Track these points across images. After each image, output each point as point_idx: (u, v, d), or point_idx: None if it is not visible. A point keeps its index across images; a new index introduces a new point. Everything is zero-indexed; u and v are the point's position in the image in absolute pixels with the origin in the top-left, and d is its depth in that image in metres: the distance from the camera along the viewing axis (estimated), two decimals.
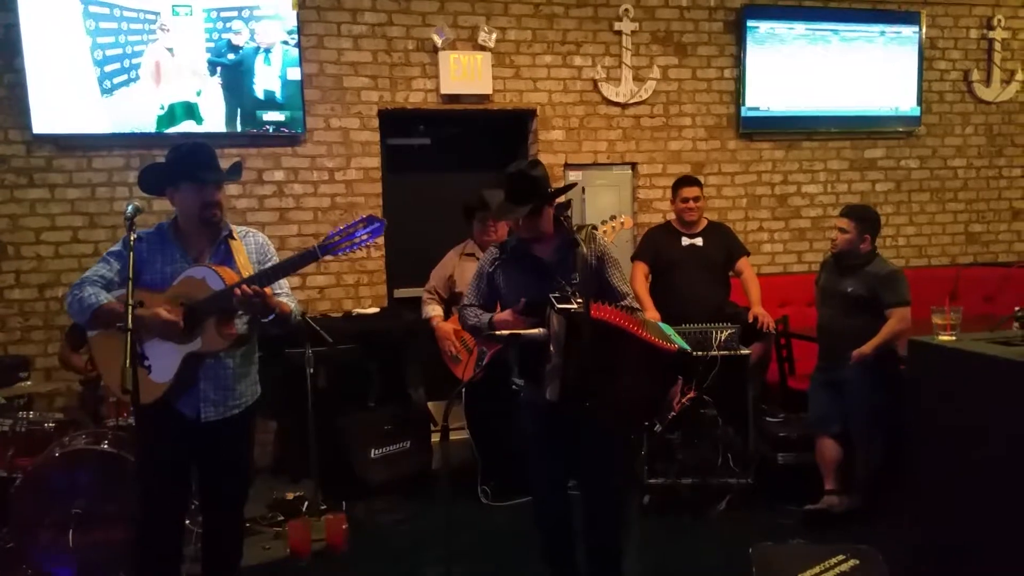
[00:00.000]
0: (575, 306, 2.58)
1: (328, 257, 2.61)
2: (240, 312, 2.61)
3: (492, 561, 3.66)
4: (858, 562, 3.04)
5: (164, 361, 2.58)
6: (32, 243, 4.75)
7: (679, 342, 2.75)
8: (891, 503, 3.77)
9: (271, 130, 5.01)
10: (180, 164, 2.64)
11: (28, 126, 4.66)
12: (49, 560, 3.30)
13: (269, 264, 2.77)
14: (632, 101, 5.63)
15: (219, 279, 2.55)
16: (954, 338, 2.92)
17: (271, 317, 2.65)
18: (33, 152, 4.76)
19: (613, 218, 4.19)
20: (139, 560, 2.77)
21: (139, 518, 2.72)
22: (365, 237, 2.51)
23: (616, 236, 4.15)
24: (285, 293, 2.78)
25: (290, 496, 4.25)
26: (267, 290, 2.58)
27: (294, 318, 2.78)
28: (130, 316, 2.30)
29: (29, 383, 4.10)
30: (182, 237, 2.71)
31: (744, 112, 5.78)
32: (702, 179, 4.89)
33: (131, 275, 2.38)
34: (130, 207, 2.53)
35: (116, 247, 2.74)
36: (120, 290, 2.59)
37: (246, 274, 2.62)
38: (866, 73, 5.97)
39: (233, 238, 2.74)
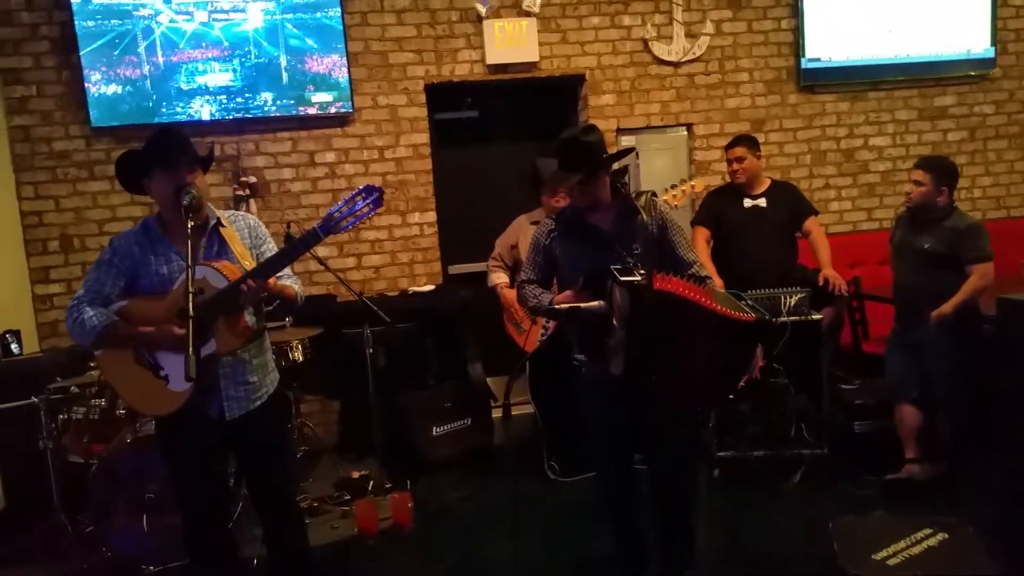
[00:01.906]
0: (638, 277, 2.47)
1: (342, 236, 2.48)
2: (247, 308, 2.51)
3: (561, 537, 3.60)
4: (947, 536, 2.89)
5: (181, 369, 2.38)
6: (96, 235, 4.85)
7: (756, 309, 2.62)
8: (978, 471, 3.59)
9: (320, 111, 4.98)
10: (150, 152, 2.50)
11: (87, 120, 4.74)
12: (126, 543, 3.39)
13: (264, 246, 2.66)
14: (685, 59, 5.43)
15: (221, 276, 2.43)
16: None
17: (275, 304, 2.58)
18: (92, 145, 4.83)
19: (683, 181, 4.04)
20: (191, 562, 2.76)
21: (182, 525, 2.70)
22: (366, 209, 2.39)
23: (685, 200, 4.00)
24: (287, 275, 2.67)
25: (355, 475, 4.29)
26: (271, 280, 2.48)
27: (299, 300, 2.68)
28: (191, 303, 2.27)
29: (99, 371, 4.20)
30: (170, 231, 2.56)
31: (804, 64, 5.52)
32: (762, 136, 4.67)
33: (189, 262, 2.34)
34: (187, 197, 2.43)
35: (105, 255, 2.56)
36: (120, 302, 2.52)
37: (245, 263, 2.52)
38: (933, 15, 5.63)
39: (223, 225, 2.62)
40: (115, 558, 3.40)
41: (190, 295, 2.28)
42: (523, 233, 4.29)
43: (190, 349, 2.21)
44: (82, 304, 2.51)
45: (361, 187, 2.40)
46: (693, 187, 4.06)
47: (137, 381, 2.57)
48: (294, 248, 2.47)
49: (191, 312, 2.26)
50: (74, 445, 3.58)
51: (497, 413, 5.05)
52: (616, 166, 2.90)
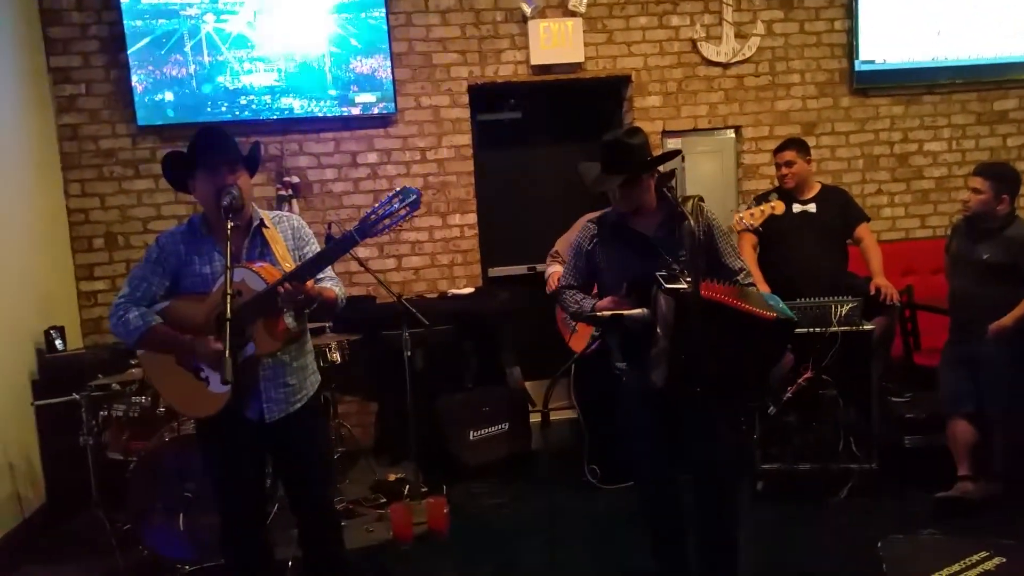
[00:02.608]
0: (684, 285, 2.39)
1: (379, 239, 2.44)
2: (286, 311, 2.48)
3: (596, 548, 3.53)
4: (1004, 560, 2.75)
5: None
6: (140, 232, 4.91)
7: (784, 311, 2.54)
8: None
9: (363, 111, 4.98)
10: (192, 152, 2.50)
11: (133, 119, 4.80)
12: (162, 541, 3.39)
13: (307, 248, 2.63)
14: (734, 60, 5.32)
15: (259, 279, 2.41)
16: None
17: (315, 306, 2.54)
18: (138, 144, 4.90)
19: (766, 200, 3.94)
20: (227, 562, 2.75)
21: (220, 525, 2.68)
22: (403, 212, 2.33)
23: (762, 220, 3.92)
24: (328, 277, 2.64)
25: (391, 478, 4.27)
26: (309, 283, 2.45)
27: (340, 303, 2.64)
28: (229, 305, 2.25)
29: (140, 369, 4.23)
30: (214, 231, 2.54)
31: (858, 66, 5.37)
32: (813, 140, 4.53)
33: (228, 263, 2.32)
34: (227, 198, 2.42)
35: (152, 253, 2.56)
36: (163, 303, 2.52)
37: (286, 265, 2.49)
38: (992, 15, 5.43)
39: (267, 227, 2.59)
40: (152, 556, 3.41)
41: (228, 297, 2.26)
42: None
43: (227, 352, 2.19)
44: (128, 303, 2.51)
45: (398, 189, 2.36)
46: (773, 208, 3.97)
47: (178, 381, 2.56)
48: (331, 251, 2.45)
49: (228, 315, 2.24)
50: (114, 442, 3.60)
51: (536, 418, 5.00)
52: (662, 169, 2.82)
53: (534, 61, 5.11)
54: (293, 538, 3.09)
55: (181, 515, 3.35)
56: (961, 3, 5.40)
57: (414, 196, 2.34)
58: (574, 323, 4.13)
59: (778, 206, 4.00)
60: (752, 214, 3.92)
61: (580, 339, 4.10)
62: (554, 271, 4.26)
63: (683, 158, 5.27)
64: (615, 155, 2.65)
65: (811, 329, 3.74)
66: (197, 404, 2.56)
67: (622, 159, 2.64)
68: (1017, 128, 5.62)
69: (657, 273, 2.49)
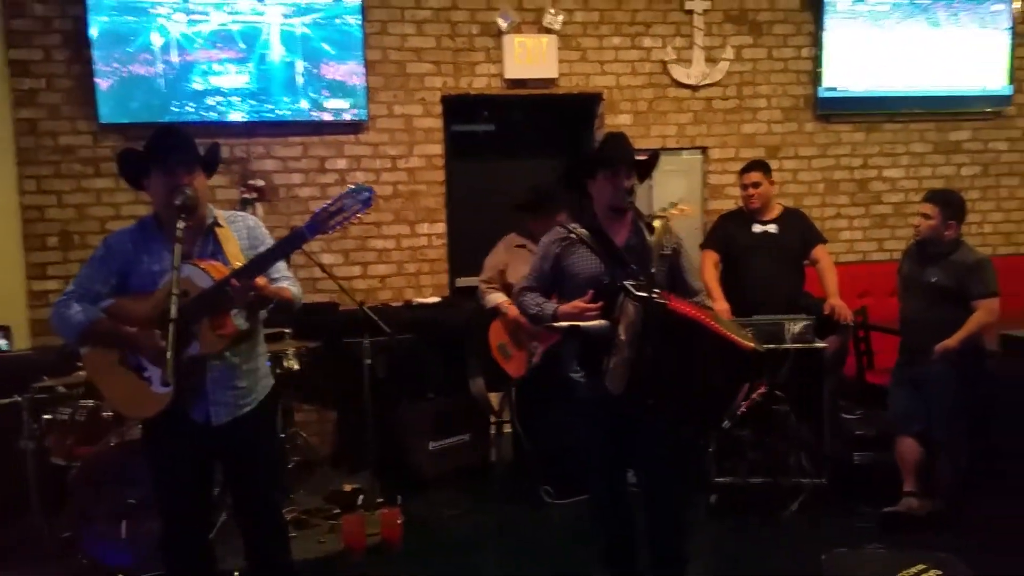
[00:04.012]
0: (654, 295, 2.43)
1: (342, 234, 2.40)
2: (235, 309, 2.44)
3: (550, 561, 3.53)
4: (941, 572, 2.81)
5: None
6: (97, 232, 4.78)
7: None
8: (977, 508, 3.55)
9: (334, 117, 4.97)
10: (149, 151, 2.47)
11: (95, 116, 4.72)
12: (103, 550, 3.28)
13: (262, 247, 2.56)
14: (704, 83, 5.41)
15: (206, 276, 2.37)
16: None
17: (271, 306, 2.51)
18: (100, 142, 4.81)
19: (673, 205, 4.02)
20: (169, 571, 2.68)
21: (162, 530, 2.62)
22: (356, 208, 2.32)
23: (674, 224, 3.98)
24: (284, 276, 2.60)
25: (347, 488, 4.21)
26: (261, 280, 2.41)
27: (297, 303, 2.62)
28: (174, 305, 2.22)
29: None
30: (166, 231, 2.47)
31: (822, 93, 5.50)
32: (777, 163, 4.63)
33: (176, 263, 2.29)
34: (180, 197, 2.38)
35: (99, 252, 2.53)
36: (108, 300, 2.48)
37: (237, 264, 2.44)
38: (951, 51, 5.61)
39: (220, 226, 2.56)
40: (91, 565, 3.30)
41: (173, 297, 2.23)
42: (512, 257, 4.27)
43: (168, 353, 2.15)
44: (70, 300, 2.48)
45: (351, 187, 2.34)
46: (682, 211, 4.05)
47: (120, 381, 2.51)
48: (280, 247, 2.42)
49: (173, 315, 2.21)
50: (57, 447, 3.48)
51: (504, 429, 5.01)
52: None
53: (508, 75, 5.15)
54: (241, 548, 3.01)
55: (124, 522, 3.25)
56: (921, 38, 5.55)
57: (367, 194, 2.32)
58: (509, 350, 4.17)
59: (687, 209, 4.07)
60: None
61: (516, 364, 4.15)
62: (502, 299, 4.23)
63: (652, 176, 5.33)
64: (624, 143, 2.77)
65: (765, 346, 3.80)
66: (139, 404, 2.51)
67: (629, 148, 2.75)
68: (970, 158, 5.79)
69: (626, 282, 2.52)
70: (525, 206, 4.28)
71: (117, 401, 2.63)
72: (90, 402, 3.50)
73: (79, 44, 4.69)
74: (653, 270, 2.62)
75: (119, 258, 2.50)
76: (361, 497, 4.05)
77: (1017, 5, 5.60)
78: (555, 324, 2.65)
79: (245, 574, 3.02)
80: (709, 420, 2.78)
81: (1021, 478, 2.86)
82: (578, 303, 2.63)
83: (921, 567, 2.84)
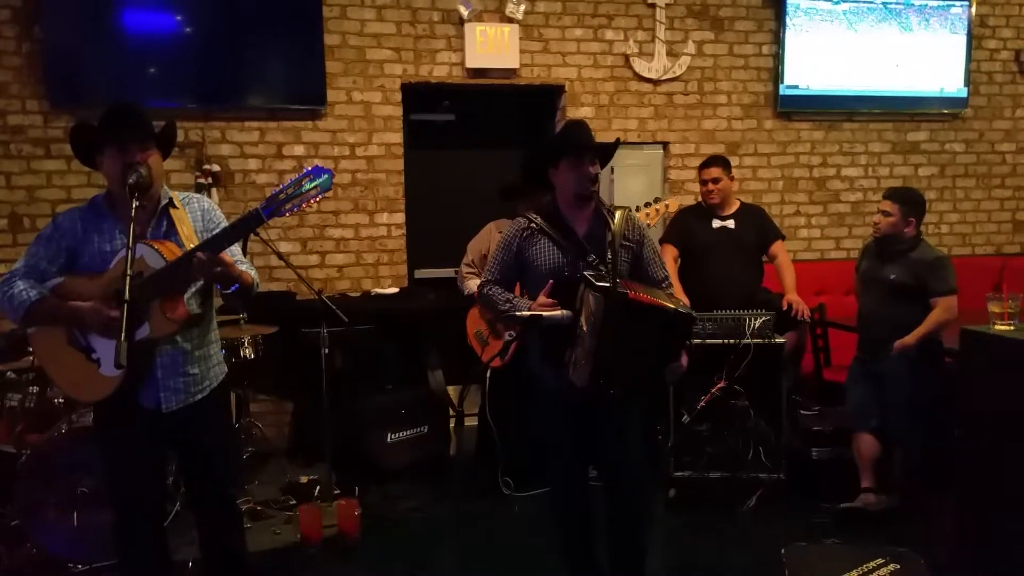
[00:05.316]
0: (614, 285, 2.42)
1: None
2: (190, 292, 2.39)
3: (509, 553, 3.51)
4: (899, 566, 2.86)
5: (113, 353, 2.19)
6: (47, 215, 4.64)
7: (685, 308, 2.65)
8: (932, 503, 3.59)
9: (291, 103, 4.87)
10: (102, 127, 2.39)
11: (46, 96, 4.57)
12: (53, 539, 3.22)
13: (217, 230, 2.49)
14: (665, 77, 5.42)
15: (158, 256, 2.30)
16: (1012, 327, 2.71)
17: (233, 288, 2.44)
18: (51, 122, 4.66)
19: (657, 200, 4.02)
20: (121, 561, 2.62)
21: (114, 519, 2.55)
22: (313, 191, 2.27)
23: (658, 219, 3.98)
24: (240, 261, 2.55)
25: (304, 480, 4.16)
26: (227, 257, 2.36)
27: (255, 288, 2.56)
28: (127, 287, 2.15)
29: None
30: (117, 210, 2.42)
31: (782, 90, 5.54)
32: (736, 160, 4.66)
33: (131, 242, 2.20)
34: (133, 176, 2.29)
35: (47, 230, 2.46)
36: (56, 279, 2.41)
37: (190, 246, 2.37)
38: (910, 52, 5.69)
39: (175, 207, 2.49)
40: (41, 555, 3.23)
41: (127, 277, 2.15)
42: (495, 242, 4.21)
43: (123, 335, 2.08)
44: (14, 278, 2.39)
45: (308, 168, 2.29)
46: (667, 207, 4.04)
47: (69, 364, 2.44)
48: (234, 228, 2.35)
49: (127, 296, 2.13)
50: (6, 434, 3.41)
51: (461, 422, 4.97)
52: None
53: (469, 64, 5.10)
54: (195, 539, 2.95)
55: (75, 512, 3.19)
56: (880, 38, 5.63)
57: (325, 175, 2.27)
58: (486, 336, 4.14)
59: (671, 204, 4.08)
60: (647, 214, 3.97)
61: (493, 352, 4.10)
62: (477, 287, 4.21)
63: (612, 170, 5.34)
64: (587, 132, 2.75)
65: (725, 340, 3.83)
66: (87, 388, 2.44)
67: (592, 140, 2.73)
68: (927, 159, 5.89)
69: (585, 272, 2.50)
70: (512, 190, 4.15)
71: (66, 384, 2.54)
72: (44, 388, 3.42)
73: (30, 21, 4.53)
74: (612, 259, 2.61)
75: (68, 236, 2.42)
76: (318, 489, 3.99)
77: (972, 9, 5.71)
78: (516, 314, 2.62)
79: (199, 565, 2.96)
80: (643, 383, 2.78)
81: (973, 472, 2.90)
82: (547, 299, 2.59)
83: (879, 561, 2.87)
